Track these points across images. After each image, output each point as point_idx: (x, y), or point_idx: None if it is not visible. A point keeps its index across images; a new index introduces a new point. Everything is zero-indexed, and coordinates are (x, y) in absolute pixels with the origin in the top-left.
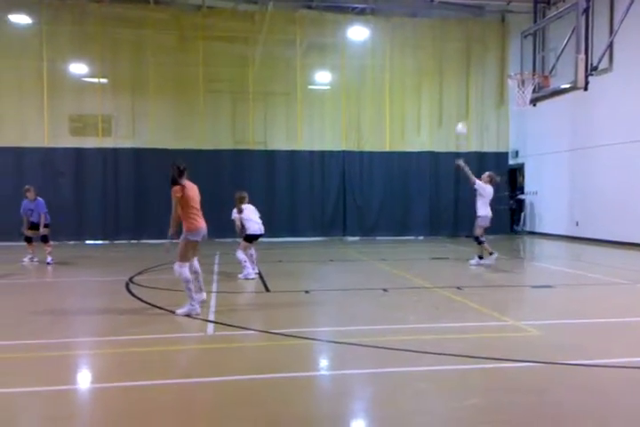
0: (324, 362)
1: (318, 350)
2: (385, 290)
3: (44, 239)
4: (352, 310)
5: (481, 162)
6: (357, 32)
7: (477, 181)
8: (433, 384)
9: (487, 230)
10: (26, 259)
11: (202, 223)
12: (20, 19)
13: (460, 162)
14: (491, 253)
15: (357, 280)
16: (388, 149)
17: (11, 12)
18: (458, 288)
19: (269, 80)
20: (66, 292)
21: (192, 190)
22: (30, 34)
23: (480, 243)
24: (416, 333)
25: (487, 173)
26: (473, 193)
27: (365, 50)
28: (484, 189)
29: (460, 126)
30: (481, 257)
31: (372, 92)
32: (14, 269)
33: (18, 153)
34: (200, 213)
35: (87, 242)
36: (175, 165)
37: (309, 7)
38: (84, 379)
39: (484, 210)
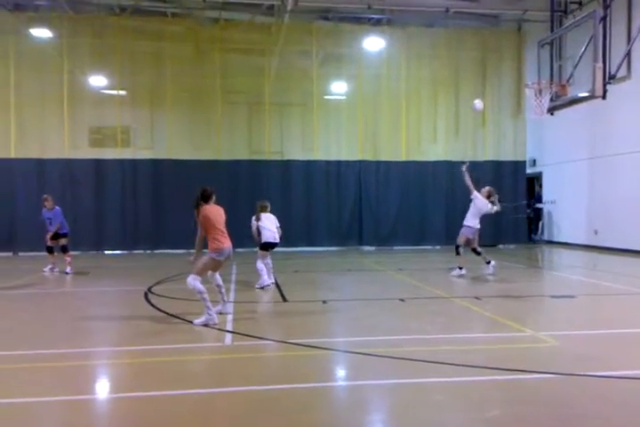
0: (341, 372)
1: (336, 360)
2: (402, 300)
3: (64, 249)
4: (369, 320)
5: (498, 171)
6: (373, 42)
7: (476, 193)
8: (451, 396)
9: (502, 240)
10: (46, 269)
11: (226, 244)
12: (42, 32)
13: (465, 167)
14: (488, 262)
15: (374, 290)
16: (404, 158)
17: (32, 27)
18: (476, 298)
19: (286, 91)
20: (85, 302)
21: (214, 212)
22: (51, 47)
23: (477, 254)
24: (434, 343)
25: (487, 188)
26: (468, 202)
27: (381, 60)
28: (480, 202)
29: (478, 103)
30: (461, 267)
31: (387, 102)
32: (35, 278)
33: (40, 164)
34: (224, 234)
35: (106, 252)
36: (202, 188)
37: (325, 18)
38: (102, 389)
39: (472, 221)
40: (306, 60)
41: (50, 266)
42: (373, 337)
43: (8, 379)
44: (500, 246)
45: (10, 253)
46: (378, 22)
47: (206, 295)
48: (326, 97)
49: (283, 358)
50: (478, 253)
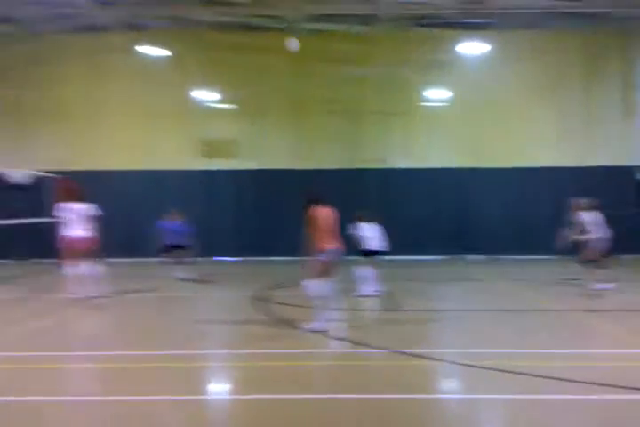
0: (454, 385)
1: (449, 372)
2: (511, 311)
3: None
4: (482, 331)
5: (606, 177)
6: (471, 47)
7: (580, 216)
8: (577, 415)
9: (618, 251)
10: (178, 274)
11: (331, 245)
12: (153, 50)
13: (567, 240)
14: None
15: (485, 301)
16: (507, 165)
17: (145, 45)
18: (590, 311)
19: (386, 99)
20: (201, 306)
21: (323, 214)
22: (163, 64)
23: (594, 266)
24: (549, 358)
25: (581, 201)
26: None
27: (481, 65)
28: (585, 217)
29: (292, 42)
30: (606, 281)
31: (488, 108)
32: (156, 283)
33: (157, 176)
34: (332, 235)
35: (218, 258)
36: (310, 191)
37: (422, 25)
38: (219, 390)
39: (599, 232)
40: (405, 68)
41: (179, 272)
42: (486, 349)
43: (132, 377)
44: (616, 257)
45: (131, 259)
46: (476, 27)
47: (322, 301)
48: (426, 104)
49: (394, 367)
50: (593, 265)
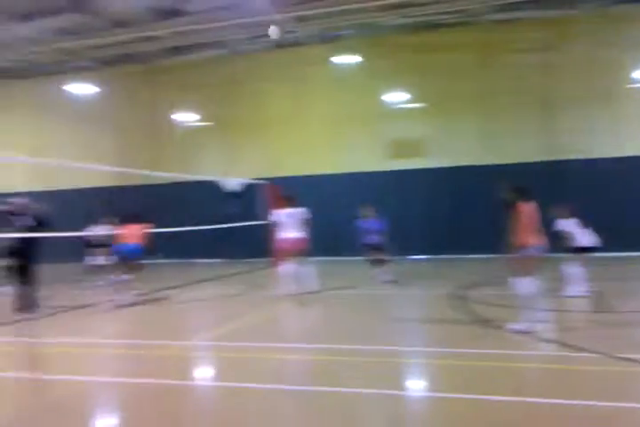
0: None
1: None
2: None
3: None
4: None
5: None
6: None
7: None
8: None
9: None
10: (380, 276)
11: (534, 240)
12: (345, 58)
13: None
14: None
15: None
16: None
17: (335, 53)
18: None
19: (582, 84)
20: (399, 304)
21: (527, 209)
22: (354, 70)
23: None
24: None
25: None
26: None
27: None
28: None
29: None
30: None
31: None
32: (355, 281)
33: (352, 178)
34: (534, 231)
35: (411, 257)
36: (516, 186)
37: (620, 2)
38: (422, 387)
39: None
40: (603, 50)
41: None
42: None
43: (330, 370)
44: None
45: (336, 258)
46: None
47: (528, 301)
48: (631, 86)
49: (607, 372)
50: None
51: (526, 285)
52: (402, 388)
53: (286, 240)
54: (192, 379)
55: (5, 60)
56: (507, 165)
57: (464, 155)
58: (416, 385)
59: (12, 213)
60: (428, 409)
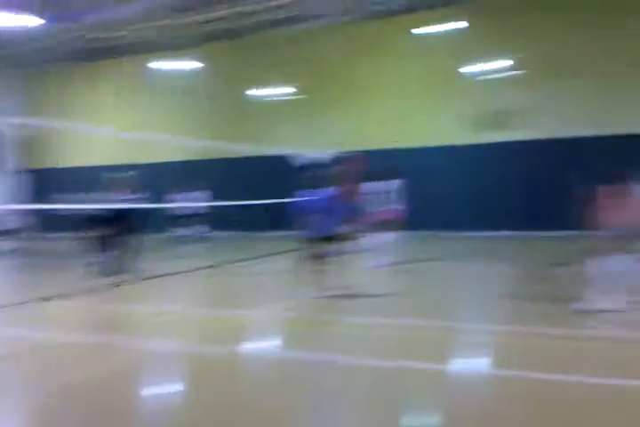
0: None
1: None
2: None
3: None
4: None
5: None
6: None
7: None
8: None
9: None
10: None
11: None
12: (430, 29)
13: None
14: None
15: None
16: None
17: (420, 25)
18: None
19: None
20: (478, 279)
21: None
22: (440, 40)
23: None
24: None
25: None
26: None
27: None
28: None
29: None
30: None
31: None
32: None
33: (427, 152)
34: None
35: (491, 234)
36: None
37: None
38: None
39: None
40: None
41: None
42: None
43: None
44: None
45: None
46: None
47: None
48: None
49: None
50: None
51: (612, 263)
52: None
53: (376, 213)
54: None
55: (110, 39)
56: (611, 136)
57: (569, 125)
58: (478, 362)
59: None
60: (487, 389)
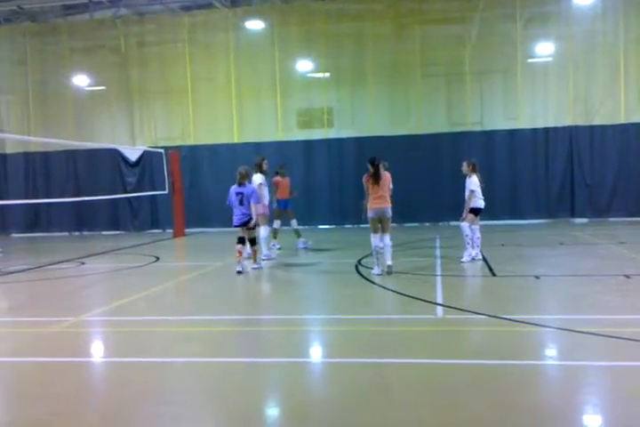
0: (558, 351)
1: (552, 338)
2: (627, 277)
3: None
4: (589, 297)
5: None
6: None
7: None
8: None
9: None
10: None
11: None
12: (255, 24)
13: None
14: None
15: (593, 265)
16: (622, 120)
17: (246, 20)
18: None
19: (486, 58)
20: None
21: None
22: (264, 37)
23: None
24: None
25: None
26: None
27: (595, 15)
28: None
29: None
30: None
31: (602, 60)
32: None
33: (257, 147)
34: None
35: (318, 226)
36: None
37: None
38: (316, 353)
39: None
40: (508, 24)
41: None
42: (593, 315)
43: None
44: None
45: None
46: None
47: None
48: (531, 60)
49: (495, 333)
50: None
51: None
52: (298, 355)
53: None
54: None
55: None
56: (415, 135)
57: (371, 125)
58: (310, 352)
59: None
60: (323, 375)
